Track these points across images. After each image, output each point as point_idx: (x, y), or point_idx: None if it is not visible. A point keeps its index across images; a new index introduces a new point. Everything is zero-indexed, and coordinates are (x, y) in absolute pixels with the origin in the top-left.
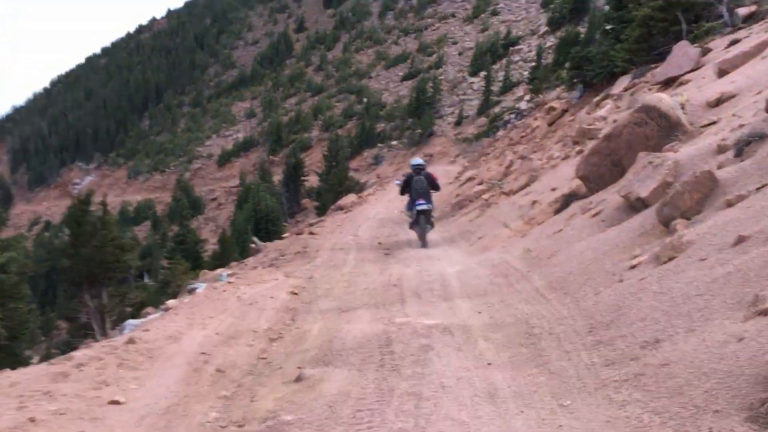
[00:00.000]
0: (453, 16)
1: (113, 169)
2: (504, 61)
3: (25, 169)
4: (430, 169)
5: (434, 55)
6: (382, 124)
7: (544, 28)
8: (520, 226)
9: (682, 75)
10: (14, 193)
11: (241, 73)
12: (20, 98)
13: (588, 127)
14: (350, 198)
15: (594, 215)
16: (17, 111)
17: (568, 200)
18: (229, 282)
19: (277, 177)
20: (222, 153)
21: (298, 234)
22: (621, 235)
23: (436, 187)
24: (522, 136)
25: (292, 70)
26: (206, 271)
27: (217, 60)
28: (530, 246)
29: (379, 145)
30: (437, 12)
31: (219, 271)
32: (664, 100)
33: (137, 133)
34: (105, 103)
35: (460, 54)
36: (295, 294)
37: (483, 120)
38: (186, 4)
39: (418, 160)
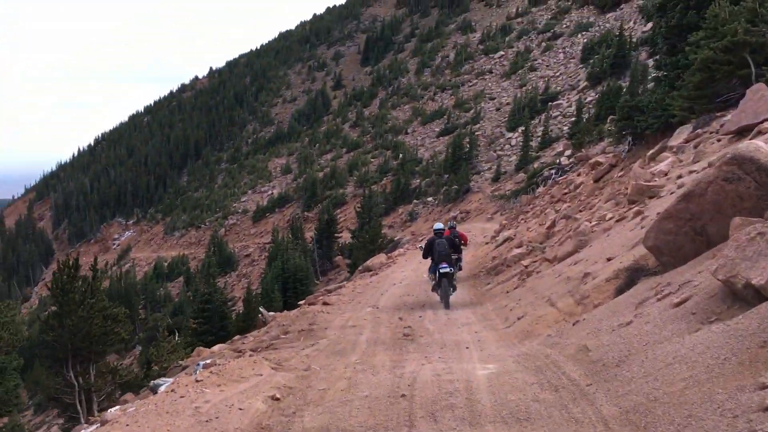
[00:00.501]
0: (490, 72)
1: (151, 224)
2: (543, 116)
3: (66, 225)
4: (463, 228)
5: (471, 111)
6: (418, 180)
7: (583, 83)
8: (569, 306)
9: (760, 123)
10: (55, 248)
11: (278, 130)
12: (66, 155)
13: (646, 183)
14: (379, 258)
15: (677, 304)
16: (62, 168)
17: (632, 276)
18: (197, 380)
19: (311, 233)
20: (257, 209)
21: (310, 304)
22: (730, 342)
23: (458, 250)
24: (564, 193)
25: (328, 126)
26: (202, 348)
27: (256, 117)
28: (587, 341)
29: (415, 201)
30: (474, 68)
31: (215, 348)
32: (763, 149)
33: (176, 189)
34: (145, 159)
35: (497, 110)
36: (277, 400)
37: (521, 176)
38: (227, 63)
39: (439, 225)
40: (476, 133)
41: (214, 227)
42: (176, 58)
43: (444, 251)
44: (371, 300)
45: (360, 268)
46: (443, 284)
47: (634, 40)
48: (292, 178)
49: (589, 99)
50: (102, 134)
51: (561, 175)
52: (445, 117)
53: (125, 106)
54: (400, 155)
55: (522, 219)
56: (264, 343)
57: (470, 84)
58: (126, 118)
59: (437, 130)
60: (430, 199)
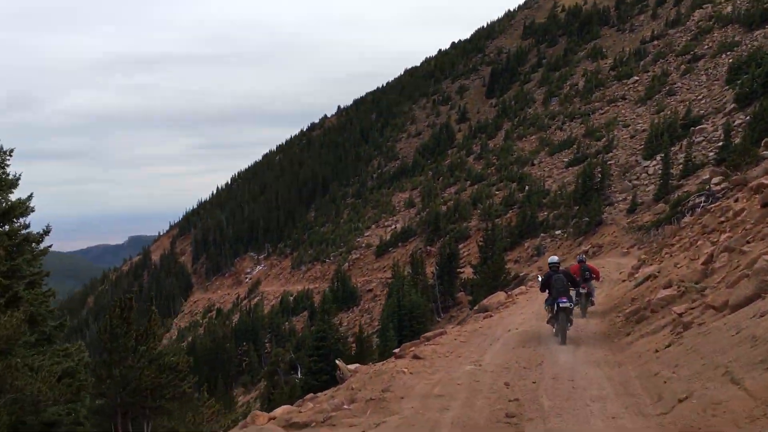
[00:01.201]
0: (623, 98)
1: (280, 259)
2: (684, 142)
3: (204, 259)
4: (594, 263)
5: (603, 139)
6: (545, 213)
7: (731, 105)
8: (763, 387)
9: None
10: (193, 282)
11: (402, 164)
12: (206, 194)
13: None
14: (498, 297)
15: None
16: (202, 205)
17: None
18: None
19: (433, 268)
20: (380, 243)
21: (397, 357)
22: None
23: (576, 284)
24: (721, 222)
25: (452, 159)
26: (258, 413)
27: (381, 152)
28: None
29: (542, 234)
30: (605, 95)
31: (278, 411)
32: None
33: (303, 224)
34: (276, 196)
35: (632, 137)
36: None
37: (661, 206)
38: (354, 101)
39: (554, 258)
40: (609, 162)
41: (338, 261)
42: (307, 99)
43: (562, 287)
44: (475, 352)
45: (475, 308)
46: (560, 318)
47: None
48: (416, 212)
49: (737, 122)
50: (238, 172)
51: (712, 203)
52: (574, 146)
53: (262, 147)
54: (526, 187)
55: (666, 253)
56: (322, 414)
57: (601, 112)
58: (260, 157)
59: (566, 160)
60: (558, 232)
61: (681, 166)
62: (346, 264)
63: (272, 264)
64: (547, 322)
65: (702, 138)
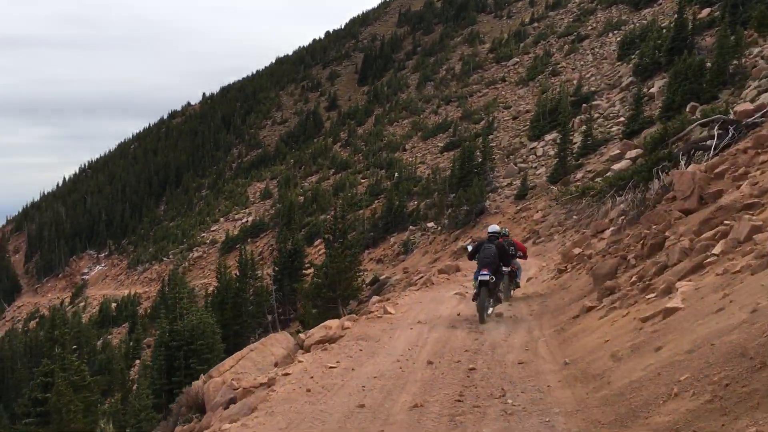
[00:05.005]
0: (503, 80)
1: (122, 257)
2: (576, 119)
3: (38, 258)
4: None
5: (482, 122)
6: (415, 202)
7: (629, 79)
8: None
9: None
10: (23, 284)
11: (264, 153)
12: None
13: None
14: (327, 330)
15: None
16: (44, 197)
17: None
18: None
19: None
20: (226, 239)
21: None
22: None
23: (507, 261)
24: None
25: (316, 146)
26: None
27: (243, 140)
28: None
29: (411, 227)
30: (484, 78)
31: None
32: None
33: (152, 218)
34: (124, 187)
35: (514, 118)
36: None
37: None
38: (221, 89)
39: (495, 227)
40: (491, 144)
41: (176, 261)
42: (175, 90)
43: (489, 258)
44: None
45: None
46: (481, 294)
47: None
48: (271, 203)
49: (651, 90)
50: (88, 162)
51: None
52: (450, 130)
53: (119, 137)
54: (395, 174)
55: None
56: None
57: (480, 94)
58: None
59: (441, 145)
60: (430, 224)
61: (578, 144)
62: (186, 263)
63: (113, 263)
64: (473, 299)
65: (598, 114)
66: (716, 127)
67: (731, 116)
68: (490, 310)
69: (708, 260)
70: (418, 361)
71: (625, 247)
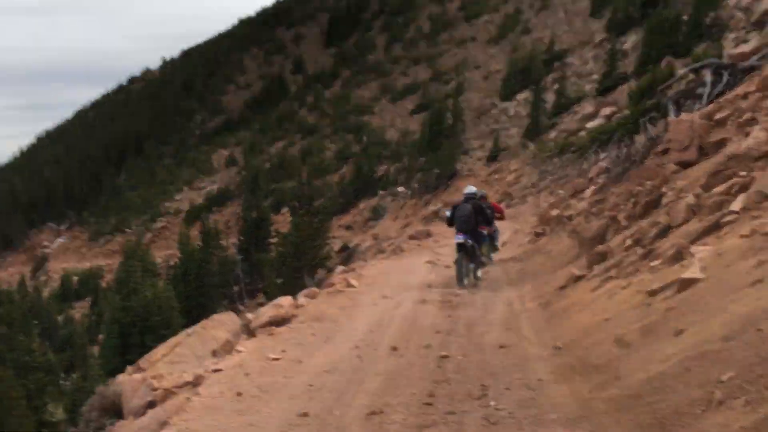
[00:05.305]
0: (473, 39)
1: (84, 229)
2: (549, 78)
3: None
4: None
5: (452, 83)
6: (385, 167)
7: (601, 36)
8: None
9: None
10: None
11: (227, 119)
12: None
13: None
14: (277, 308)
15: None
16: (0, 169)
17: None
18: None
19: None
20: (190, 208)
21: None
22: None
23: (489, 221)
24: None
25: (281, 111)
26: None
27: (205, 106)
28: None
29: (380, 192)
30: (453, 37)
31: None
32: None
33: (112, 188)
34: (83, 156)
35: (485, 78)
36: None
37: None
38: (182, 53)
39: (471, 188)
40: (461, 106)
41: (139, 232)
42: (137, 55)
43: (463, 218)
44: None
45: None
46: (458, 257)
47: None
48: (236, 171)
49: (624, 47)
50: (46, 131)
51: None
52: (420, 91)
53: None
54: (364, 138)
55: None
56: None
57: (450, 54)
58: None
59: (410, 107)
60: (400, 189)
61: (551, 104)
62: (149, 234)
63: (74, 236)
64: (454, 263)
65: (571, 73)
66: (709, 73)
67: (725, 60)
68: (472, 274)
69: (726, 219)
70: (381, 347)
71: (612, 207)
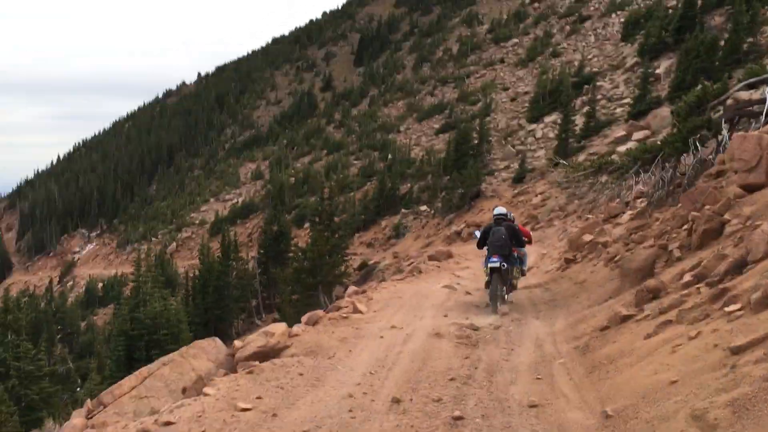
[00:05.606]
0: (501, 61)
1: (113, 237)
2: (578, 101)
3: (30, 236)
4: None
5: (479, 104)
6: (408, 185)
7: (632, 60)
8: None
9: None
10: (14, 262)
11: (257, 133)
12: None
13: None
14: (271, 335)
15: None
16: (39, 175)
17: None
18: None
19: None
20: (215, 219)
21: None
22: None
23: (520, 243)
24: None
25: (309, 126)
26: None
27: (236, 121)
28: None
29: (403, 210)
30: (482, 59)
31: None
32: None
33: (143, 198)
34: (116, 166)
35: (512, 100)
36: None
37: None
38: (216, 68)
39: (501, 209)
40: (487, 126)
41: (165, 241)
42: (178, 71)
43: (499, 242)
44: None
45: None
46: (493, 281)
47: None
48: (262, 184)
49: (656, 71)
50: (83, 140)
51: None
52: (446, 111)
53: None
54: (389, 155)
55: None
56: None
57: (477, 75)
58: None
59: (436, 126)
60: (423, 207)
61: (580, 126)
62: (174, 244)
63: (104, 243)
64: (485, 287)
65: (601, 96)
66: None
67: None
68: (506, 296)
69: None
70: (380, 398)
71: (658, 234)
